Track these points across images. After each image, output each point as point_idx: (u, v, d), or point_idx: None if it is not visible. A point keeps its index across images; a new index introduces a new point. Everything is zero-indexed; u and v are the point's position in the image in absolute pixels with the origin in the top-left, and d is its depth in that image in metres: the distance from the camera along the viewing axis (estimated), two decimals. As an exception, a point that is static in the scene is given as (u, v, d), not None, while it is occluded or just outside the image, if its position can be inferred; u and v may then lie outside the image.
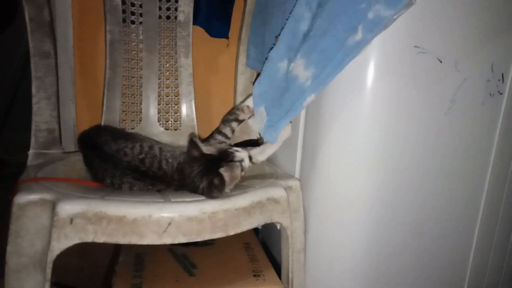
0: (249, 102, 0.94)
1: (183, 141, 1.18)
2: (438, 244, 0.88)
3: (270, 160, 1.12)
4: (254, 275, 0.79)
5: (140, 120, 1.17)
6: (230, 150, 0.81)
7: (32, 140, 0.95)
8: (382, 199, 0.81)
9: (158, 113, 1.19)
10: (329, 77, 0.75)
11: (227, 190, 0.75)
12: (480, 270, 0.92)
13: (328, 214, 0.86)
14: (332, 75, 0.75)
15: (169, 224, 0.65)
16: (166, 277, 0.75)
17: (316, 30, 0.78)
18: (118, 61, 1.13)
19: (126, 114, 1.15)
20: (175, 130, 1.20)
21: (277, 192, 0.80)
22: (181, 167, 0.78)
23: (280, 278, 0.84)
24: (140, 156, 0.80)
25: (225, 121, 0.96)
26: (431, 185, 0.84)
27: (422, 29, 0.74)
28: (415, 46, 0.75)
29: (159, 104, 1.19)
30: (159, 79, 1.19)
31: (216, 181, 0.72)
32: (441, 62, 0.77)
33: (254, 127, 0.92)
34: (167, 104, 1.20)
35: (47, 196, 0.69)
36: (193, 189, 0.75)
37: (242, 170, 0.79)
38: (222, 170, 0.74)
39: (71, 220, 0.64)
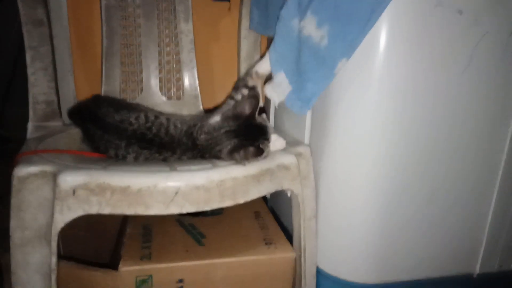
0: (258, 67, 0.88)
1: (186, 111, 1.14)
2: (452, 213, 0.85)
3: (277, 127, 1.09)
4: (266, 243, 0.77)
5: (142, 90, 1.13)
6: (268, 128, 0.78)
7: (31, 112, 0.92)
8: (395, 165, 0.77)
9: (160, 82, 1.15)
10: (356, 36, 0.69)
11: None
12: (495, 239, 0.90)
13: (338, 181, 0.83)
14: (360, 33, 0.68)
15: (176, 193, 0.63)
16: (175, 247, 0.74)
17: None
18: (115, 28, 1.08)
19: (126, 84, 1.11)
20: (178, 99, 1.16)
21: (287, 159, 0.76)
22: (191, 131, 0.76)
23: (291, 245, 0.82)
24: (147, 125, 0.77)
25: (236, 88, 0.92)
26: (447, 149, 0.80)
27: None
28: (433, -3, 0.70)
29: (160, 73, 1.14)
30: (159, 46, 1.14)
31: (252, 150, 0.70)
32: (461, 14, 0.71)
33: (273, 96, 0.84)
34: (168, 73, 1.15)
35: (48, 168, 0.66)
36: (209, 149, 0.73)
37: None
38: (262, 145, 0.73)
39: (74, 192, 0.62)
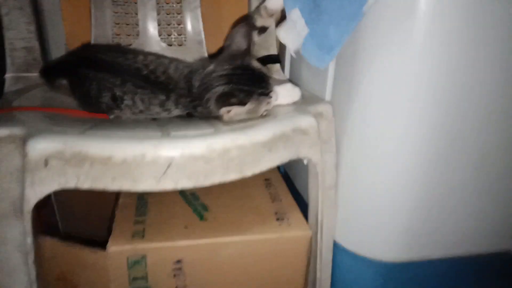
0: (268, 2, 0.73)
1: (189, 59, 1.00)
2: (500, 185, 0.72)
3: (294, 80, 0.95)
4: (277, 218, 0.67)
5: (138, 34, 0.99)
6: (270, 82, 0.65)
7: (8, 61, 0.79)
8: (439, 128, 0.64)
9: (159, 25, 0.99)
10: None
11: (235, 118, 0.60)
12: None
13: (366, 146, 0.71)
14: None
15: (169, 165, 0.51)
16: (173, 222, 0.64)
17: None
18: (104, -42, 0.92)
19: (120, 27, 0.96)
20: (180, 45, 1.02)
21: (305, 121, 0.63)
22: (190, 76, 0.66)
23: (307, 219, 0.71)
24: (144, 62, 0.68)
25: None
26: (500, 110, 0.66)
27: None
28: None
29: (158, 14, 0.99)
30: (156, -20, 0.98)
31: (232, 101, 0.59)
32: None
33: (287, 41, 0.69)
34: (168, 14, 1.00)
35: (17, 130, 0.55)
36: (200, 99, 0.63)
37: (266, 110, 0.64)
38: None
39: (46, 162, 0.51)
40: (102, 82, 0.67)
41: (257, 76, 0.64)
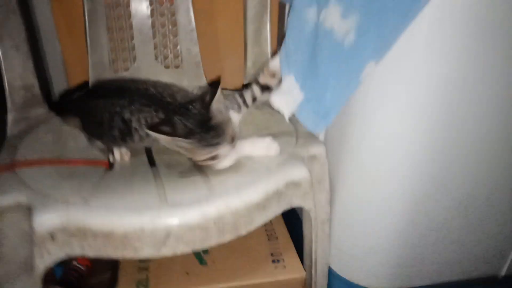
0: (270, 63, 0.73)
1: (186, 81, 1.01)
2: (486, 219, 0.75)
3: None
4: (273, 261, 0.71)
5: (134, 59, 0.99)
6: (224, 136, 0.64)
7: (8, 102, 0.81)
8: (428, 169, 0.66)
9: (155, 48, 1.00)
10: (392, 31, 0.53)
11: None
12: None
13: (358, 187, 0.74)
14: (397, 29, 0.53)
15: (167, 236, 0.54)
16: (175, 268, 0.68)
17: None
18: (97, -13, 0.91)
19: (115, 53, 0.97)
20: (176, 68, 1.02)
21: (297, 173, 0.66)
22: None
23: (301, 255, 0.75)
24: (153, 85, 0.71)
25: (248, 84, 0.77)
26: (482, 152, 0.68)
27: None
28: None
29: (154, 38, 0.99)
30: (151, 5, 0.97)
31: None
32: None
33: (281, 106, 0.70)
34: (164, 37, 1.00)
35: (23, 199, 0.58)
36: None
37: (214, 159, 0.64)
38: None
39: (52, 236, 0.54)
40: (112, 108, 0.69)
41: (210, 124, 0.63)
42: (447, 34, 0.54)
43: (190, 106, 0.64)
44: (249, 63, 0.99)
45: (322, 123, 0.64)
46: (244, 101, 0.76)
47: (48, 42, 0.98)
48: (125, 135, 0.69)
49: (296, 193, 0.66)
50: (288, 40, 0.65)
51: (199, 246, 0.57)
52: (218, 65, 1.10)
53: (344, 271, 0.81)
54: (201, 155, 0.63)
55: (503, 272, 0.83)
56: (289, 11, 0.70)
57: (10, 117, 0.81)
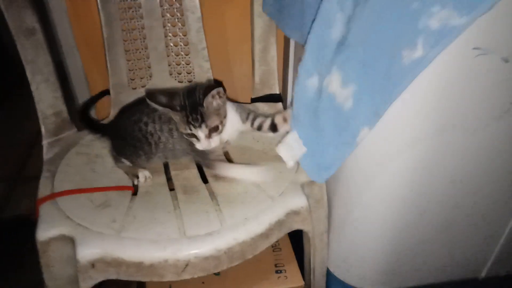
0: (289, 110, 0.83)
1: (199, 94, 1.09)
2: (469, 229, 0.84)
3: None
4: (276, 271, 0.83)
5: (151, 76, 1.07)
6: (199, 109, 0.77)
7: (42, 130, 0.91)
8: (414, 190, 0.76)
9: (169, 65, 1.07)
10: (382, 102, 0.60)
11: None
12: (509, 247, 0.90)
13: (352, 204, 0.84)
14: (386, 100, 0.60)
15: (186, 265, 0.66)
16: (194, 278, 0.80)
17: (353, 38, 0.60)
18: (114, 14, 0.98)
19: (133, 72, 1.05)
20: (190, 82, 1.10)
21: (297, 203, 0.76)
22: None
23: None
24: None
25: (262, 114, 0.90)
26: (469, 179, 0.76)
27: (484, 27, 0.56)
28: (473, 48, 0.58)
29: (168, 56, 1.06)
30: (164, 27, 1.03)
31: None
32: (507, 61, 0.60)
33: (286, 157, 0.80)
34: (177, 55, 1.07)
35: (66, 231, 0.70)
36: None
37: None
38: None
39: (93, 265, 0.66)
40: (132, 121, 0.83)
41: (198, 109, 0.77)
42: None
43: (197, 87, 0.79)
44: (257, 79, 1.06)
45: (324, 174, 0.73)
46: (253, 120, 0.87)
47: (73, 66, 1.07)
48: (143, 144, 0.83)
49: (296, 219, 0.76)
50: (294, 104, 0.74)
51: (212, 271, 0.69)
52: (229, 80, 1.17)
53: (342, 274, 0.93)
54: (182, 129, 0.79)
55: (484, 274, 0.94)
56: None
57: (45, 143, 0.91)
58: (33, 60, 0.86)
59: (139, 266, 0.66)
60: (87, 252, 0.66)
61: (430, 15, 0.52)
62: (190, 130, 0.79)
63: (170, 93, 0.79)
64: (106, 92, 1.03)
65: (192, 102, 0.78)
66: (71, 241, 0.69)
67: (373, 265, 0.88)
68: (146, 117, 0.83)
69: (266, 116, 0.87)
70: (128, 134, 0.84)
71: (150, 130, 0.83)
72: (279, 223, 0.73)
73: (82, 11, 1.03)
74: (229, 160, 0.88)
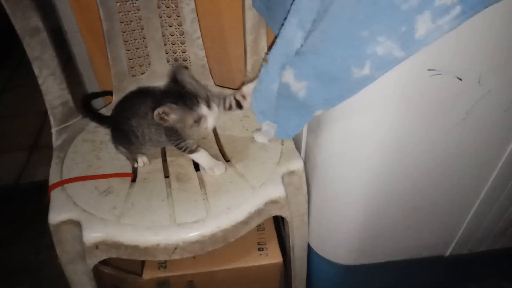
0: (245, 87, 0.90)
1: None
2: (436, 210, 0.93)
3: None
4: (259, 249, 0.94)
5: (149, 64, 1.14)
6: (198, 101, 0.82)
7: (51, 119, 1.00)
8: (385, 174, 0.83)
9: (166, 53, 1.14)
10: (334, 99, 0.69)
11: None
12: (473, 229, 0.99)
13: (329, 188, 0.93)
14: (338, 98, 0.68)
15: (175, 248, 0.77)
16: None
17: (308, 48, 0.67)
18: (112, 8, 1.04)
19: (133, 60, 1.12)
20: (186, 69, 1.16)
21: (276, 193, 0.85)
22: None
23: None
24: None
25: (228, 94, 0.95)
26: (439, 171, 0.84)
27: (437, 50, 0.61)
28: (428, 70, 0.64)
29: (165, 45, 1.13)
30: (160, 17, 1.09)
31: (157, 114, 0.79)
32: (461, 80, 0.66)
33: (264, 140, 0.91)
34: (173, 44, 1.13)
35: (73, 216, 0.81)
36: None
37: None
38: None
39: (97, 246, 0.78)
40: (123, 111, 0.92)
41: (183, 92, 0.81)
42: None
43: (167, 89, 0.84)
44: (249, 67, 1.12)
45: (290, 136, 0.88)
46: (224, 103, 0.94)
47: (80, 56, 1.15)
48: (131, 136, 0.90)
49: (275, 207, 0.86)
50: (259, 99, 0.82)
51: (199, 252, 0.80)
52: (225, 66, 1.23)
53: (320, 249, 1.04)
54: (190, 120, 0.81)
55: (448, 252, 1.04)
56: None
57: (53, 130, 1.01)
58: (39, 56, 0.94)
59: (135, 248, 0.77)
60: (91, 235, 0.77)
61: (377, 44, 0.58)
62: (195, 115, 0.82)
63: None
64: (108, 93, 1.11)
65: (174, 95, 0.82)
66: (78, 224, 0.80)
67: (346, 244, 0.99)
68: (129, 112, 0.91)
69: (228, 96, 0.94)
70: (121, 127, 0.93)
71: (134, 125, 0.90)
72: (258, 212, 0.83)
73: (84, 6, 1.09)
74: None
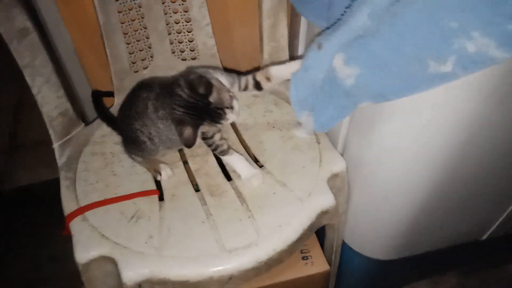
0: (274, 69, 0.81)
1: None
2: (478, 200, 0.90)
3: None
4: (303, 258, 0.88)
5: (152, 56, 1.00)
6: (222, 111, 0.74)
7: (51, 133, 0.86)
8: (434, 182, 0.79)
9: (171, 44, 1.00)
10: (390, 93, 0.61)
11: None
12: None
13: (373, 189, 0.87)
14: (396, 93, 0.60)
15: (229, 279, 0.69)
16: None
17: (369, 31, 0.59)
18: (108, -2, 0.88)
19: (134, 55, 0.98)
20: (193, 59, 1.04)
21: (327, 203, 0.78)
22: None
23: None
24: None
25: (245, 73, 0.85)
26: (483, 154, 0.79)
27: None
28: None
29: (169, 34, 0.98)
30: (163, 3, 0.94)
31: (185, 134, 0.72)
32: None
33: (305, 137, 0.84)
34: (179, 33, 0.99)
35: (104, 251, 0.71)
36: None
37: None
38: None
39: (139, 286, 0.69)
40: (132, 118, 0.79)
41: (211, 109, 0.73)
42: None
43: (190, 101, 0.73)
44: (265, 56, 1.01)
45: (325, 128, 0.79)
46: (239, 82, 0.83)
47: (68, 60, 0.98)
48: (139, 141, 0.79)
49: (325, 217, 0.79)
50: (300, 88, 0.75)
51: (253, 278, 0.73)
52: (234, 55, 1.10)
53: (355, 244, 1.00)
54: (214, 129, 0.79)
55: (485, 236, 1.03)
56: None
57: (55, 146, 0.87)
58: (30, 63, 0.78)
59: (184, 284, 0.69)
60: (132, 275, 0.68)
61: (469, 38, 0.50)
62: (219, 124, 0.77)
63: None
64: (110, 93, 0.96)
65: (195, 106, 0.73)
66: (110, 259, 0.70)
67: (388, 239, 0.95)
68: (130, 114, 0.80)
69: (246, 75, 0.84)
70: (128, 133, 0.82)
71: (139, 128, 0.78)
72: (311, 226, 0.76)
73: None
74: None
